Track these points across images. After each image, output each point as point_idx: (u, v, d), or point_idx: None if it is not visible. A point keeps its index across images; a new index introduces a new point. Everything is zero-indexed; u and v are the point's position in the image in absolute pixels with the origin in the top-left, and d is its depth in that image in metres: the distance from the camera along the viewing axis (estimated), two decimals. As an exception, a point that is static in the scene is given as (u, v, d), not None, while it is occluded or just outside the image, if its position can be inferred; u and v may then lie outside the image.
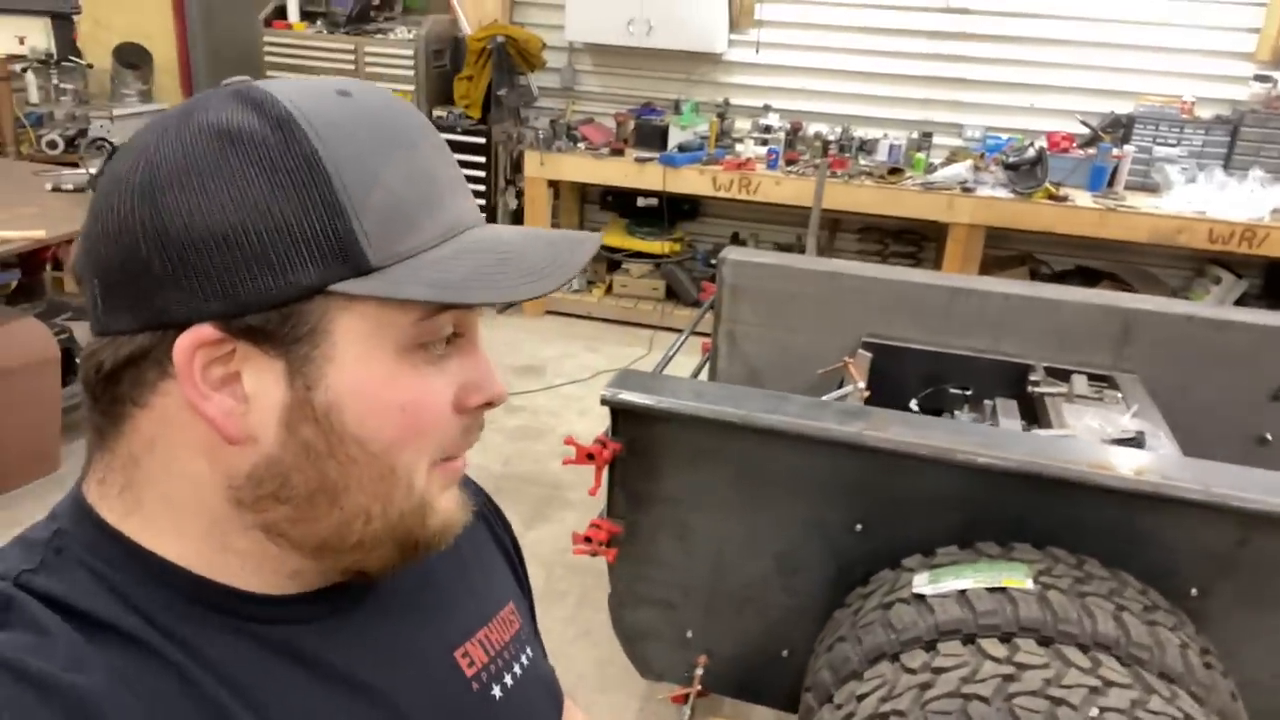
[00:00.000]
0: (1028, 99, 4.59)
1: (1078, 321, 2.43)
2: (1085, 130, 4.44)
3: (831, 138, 4.66)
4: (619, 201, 5.04)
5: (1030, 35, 4.51)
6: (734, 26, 4.79)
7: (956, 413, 2.49)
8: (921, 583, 1.52)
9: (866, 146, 4.66)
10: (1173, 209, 4.06)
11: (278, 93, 0.54)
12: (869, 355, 2.49)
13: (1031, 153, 4.21)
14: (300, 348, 0.53)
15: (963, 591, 1.46)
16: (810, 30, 4.75)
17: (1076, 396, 2.15)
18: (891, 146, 4.60)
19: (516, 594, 0.79)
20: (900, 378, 2.48)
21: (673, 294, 4.95)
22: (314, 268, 0.52)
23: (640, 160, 4.50)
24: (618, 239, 4.92)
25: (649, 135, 4.64)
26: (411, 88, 4.72)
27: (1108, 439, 1.94)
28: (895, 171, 4.41)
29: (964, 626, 1.41)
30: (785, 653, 1.83)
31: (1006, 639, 1.37)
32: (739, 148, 4.63)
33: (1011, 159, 4.26)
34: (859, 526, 1.70)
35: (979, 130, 4.64)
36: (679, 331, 2.79)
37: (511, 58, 4.61)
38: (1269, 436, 2.38)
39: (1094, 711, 1.18)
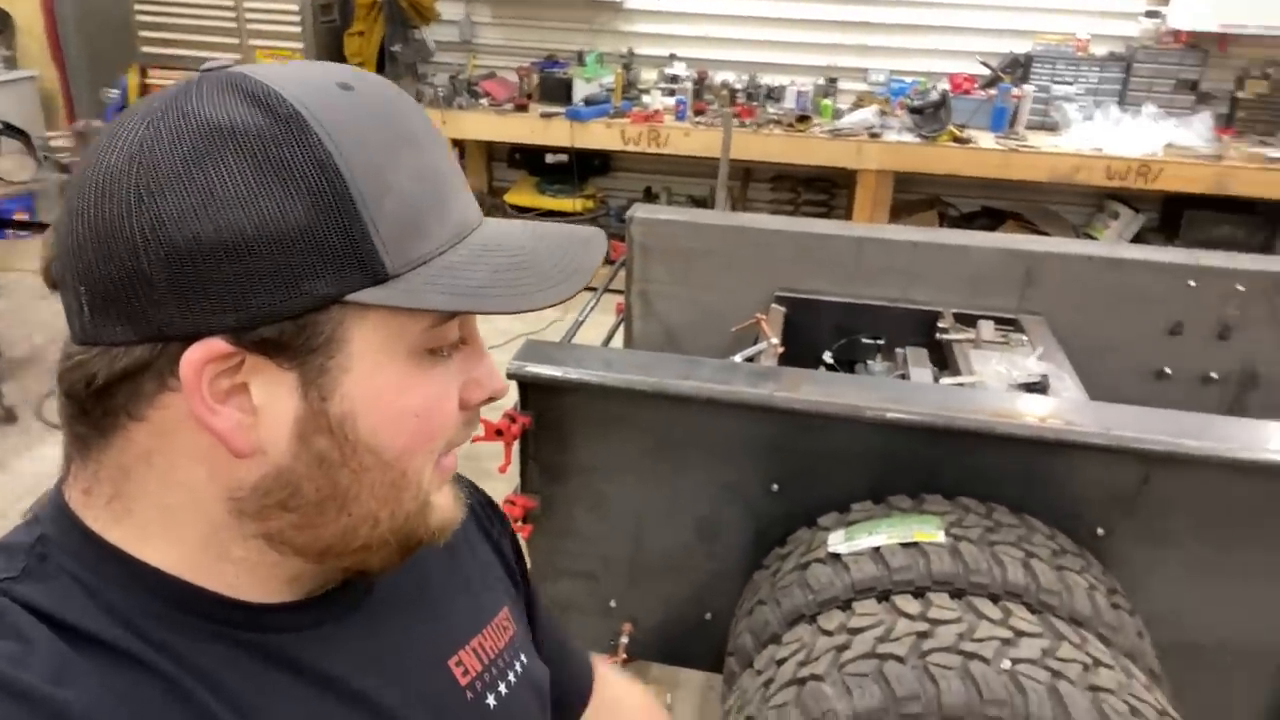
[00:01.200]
0: (930, 41, 4.61)
1: (984, 266, 2.46)
2: (986, 71, 4.48)
3: (738, 86, 4.61)
4: (527, 159, 4.92)
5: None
6: (631, -27, 4.66)
7: (869, 363, 2.50)
8: (836, 541, 1.51)
9: (774, 94, 4.62)
10: (1071, 147, 4.14)
11: (279, 86, 0.50)
12: (782, 310, 2.48)
13: (935, 95, 4.24)
14: (315, 359, 0.51)
15: (876, 548, 1.46)
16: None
17: (984, 342, 2.17)
18: (799, 93, 4.57)
19: (512, 597, 0.78)
20: (814, 330, 2.48)
21: (587, 252, 4.86)
22: (330, 277, 0.50)
23: (546, 115, 4.38)
24: (527, 198, 4.81)
25: (553, 89, 4.51)
26: (300, 45, 4.48)
27: (1014, 384, 1.97)
28: (803, 119, 4.39)
29: (878, 584, 1.41)
30: (709, 616, 1.82)
31: (920, 594, 1.37)
32: (646, 99, 4.54)
33: (916, 103, 4.28)
34: (775, 487, 1.69)
35: (884, 74, 4.65)
36: (595, 290, 2.73)
37: (403, 10, 4.42)
38: (1168, 370, 2.45)
39: (1006, 664, 1.19)
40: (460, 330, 0.57)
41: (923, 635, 1.26)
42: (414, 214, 0.52)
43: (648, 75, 4.75)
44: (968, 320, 2.37)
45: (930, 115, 4.19)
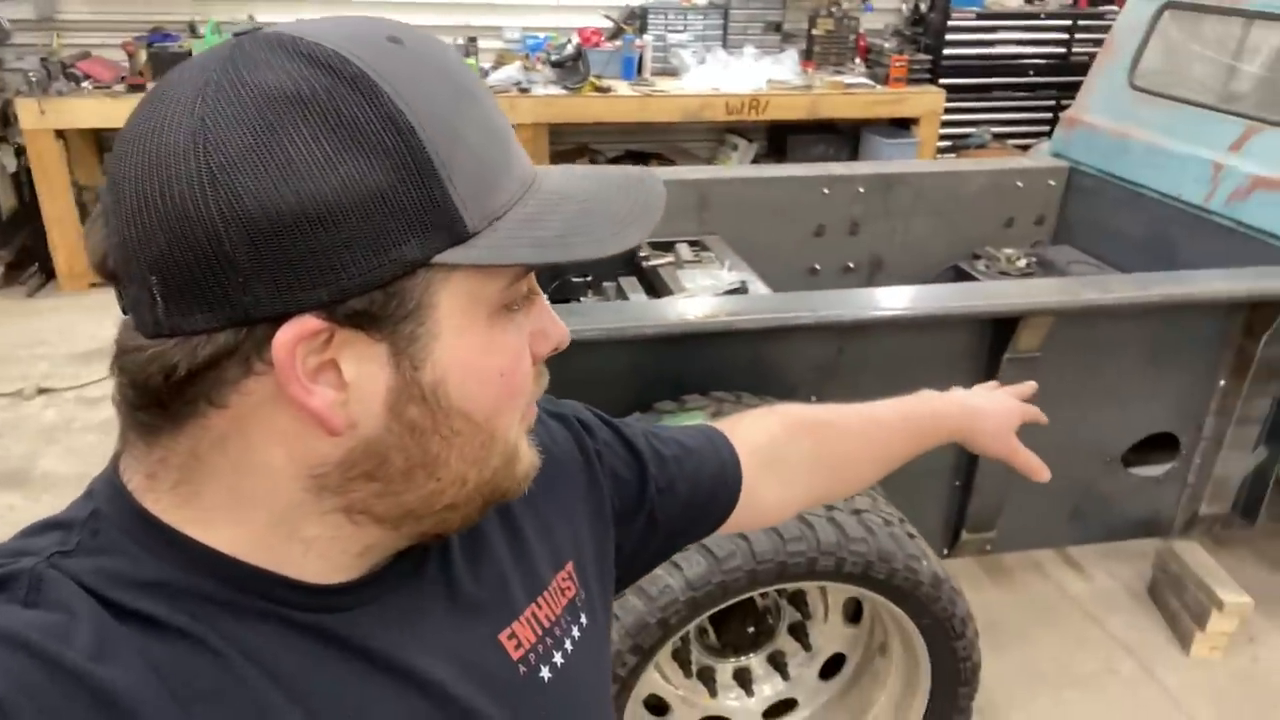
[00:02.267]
0: (553, -2, 4.84)
1: (667, 198, 2.74)
2: (609, 24, 4.82)
3: (376, 51, 4.50)
4: (149, 146, 4.41)
5: (545, -66, 4.72)
6: (240, -65, 4.34)
7: (582, 299, 2.71)
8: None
9: (414, 56, 4.58)
10: (693, 89, 4.62)
11: (334, 45, 0.48)
12: (493, 261, 2.57)
13: (570, 49, 4.49)
14: (404, 326, 0.50)
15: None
16: (328, -64, 4.48)
17: (684, 262, 2.45)
18: (439, 54, 4.57)
19: (587, 540, 0.75)
20: (526, 277, 2.61)
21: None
22: (416, 240, 0.48)
23: (170, 95, 3.96)
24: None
25: (168, 64, 4.08)
26: None
27: (720, 292, 2.27)
28: (450, 79, 4.42)
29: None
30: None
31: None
32: (281, 70, 4.28)
33: (555, 57, 4.50)
34: (548, 418, 1.82)
35: (517, 31, 4.81)
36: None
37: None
38: (818, 266, 2.94)
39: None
40: (527, 285, 0.56)
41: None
42: (485, 168, 0.51)
43: (275, 45, 4.47)
44: (663, 247, 2.66)
45: (570, 68, 4.44)
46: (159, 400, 0.51)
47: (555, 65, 4.46)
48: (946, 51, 4.97)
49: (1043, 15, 5.10)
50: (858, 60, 5.07)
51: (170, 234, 0.47)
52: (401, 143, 0.48)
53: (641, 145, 5.13)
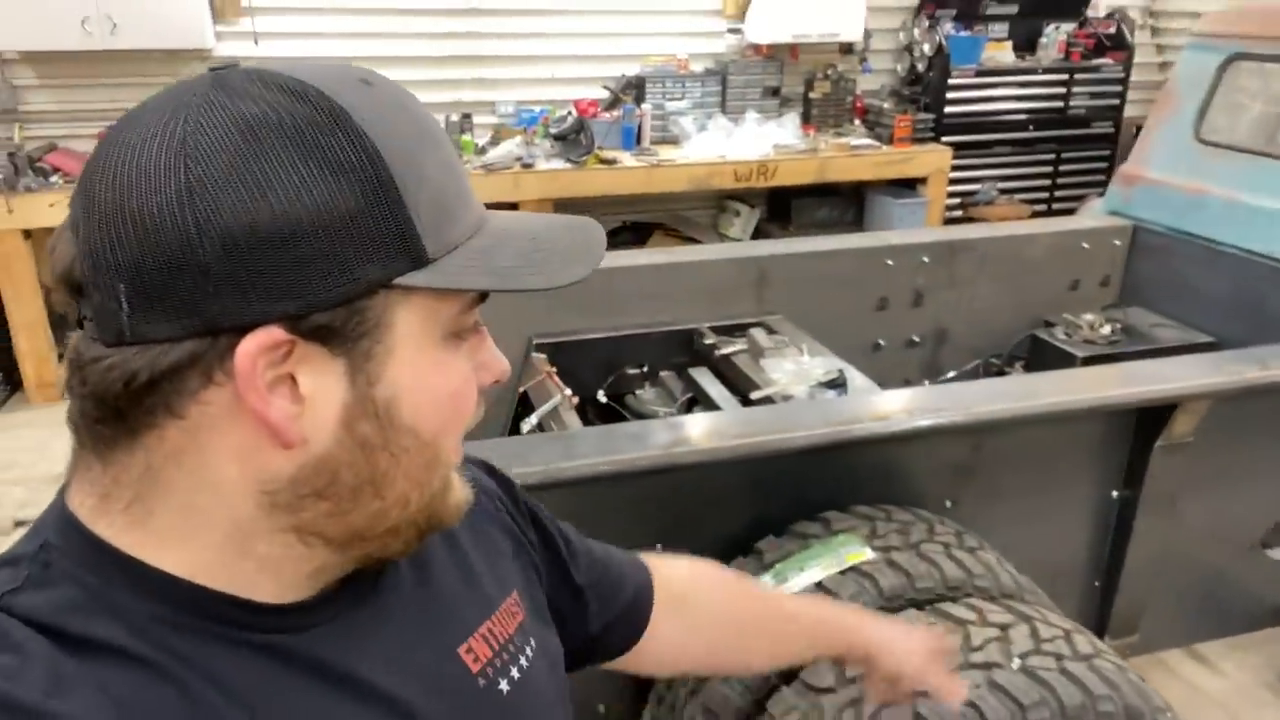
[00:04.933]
0: (548, 70, 4.68)
1: (723, 277, 2.53)
2: (606, 94, 4.67)
3: (366, 131, 4.29)
4: (123, 240, 4.11)
5: (539, 8, 4.57)
6: (219, 17, 4.12)
7: (639, 393, 2.46)
8: (769, 586, 1.43)
9: (405, 135, 4.37)
10: (697, 156, 4.47)
11: (316, 82, 0.51)
12: (543, 356, 2.33)
13: (571, 121, 4.32)
14: (363, 344, 0.53)
15: (818, 583, 1.40)
16: (314, 15, 4.28)
17: (765, 349, 2.22)
18: (431, 132, 4.37)
19: (522, 577, 0.77)
20: (578, 370, 2.37)
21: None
22: (380, 262, 0.51)
23: (152, 187, 3.69)
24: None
25: (149, 155, 3.82)
26: None
27: (815, 383, 2.04)
28: (447, 157, 4.21)
29: (839, 619, 1.36)
30: (601, 708, 1.64)
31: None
32: (267, 155, 4.04)
33: (555, 130, 4.32)
34: (659, 547, 1.56)
35: (511, 105, 4.63)
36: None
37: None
38: (882, 342, 2.74)
39: (1016, 663, 1.20)
40: (474, 317, 0.59)
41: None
42: (444, 201, 0.55)
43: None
44: (725, 331, 2.43)
45: (573, 141, 4.26)
46: (117, 410, 0.51)
47: (557, 138, 4.28)
48: (948, 110, 4.90)
49: (1039, 70, 5.07)
50: (856, 121, 4.98)
51: (145, 243, 0.48)
52: (372, 171, 0.51)
53: (642, 215, 4.95)
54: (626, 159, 4.40)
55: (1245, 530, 2.01)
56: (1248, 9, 2.58)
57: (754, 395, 2.07)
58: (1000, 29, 5.21)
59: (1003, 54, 5.13)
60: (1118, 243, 2.84)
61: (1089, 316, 2.61)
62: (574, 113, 4.43)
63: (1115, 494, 1.85)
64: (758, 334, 2.27)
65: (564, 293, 2.23)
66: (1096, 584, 1.94)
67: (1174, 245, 2.71)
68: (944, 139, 4.89)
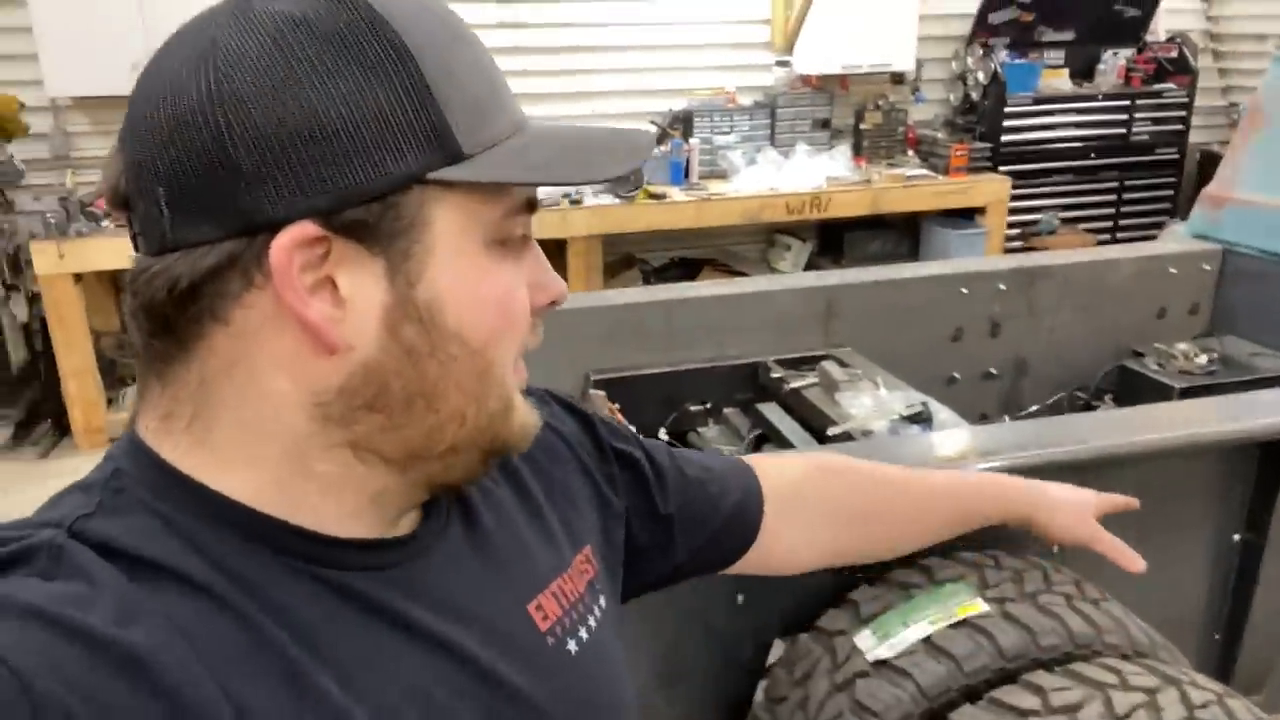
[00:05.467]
0: (598, 106, 4.64)
1: (788, 308, 2.41)
2: (654, 129, 4.60)
3: (413, 170, 4.27)
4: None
5: (585, 44, 4.55)
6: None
7: (700, 430, 2.34)
8: (871, 644, 1.28)
9: (452, 174, 4.34)
10: (747, 190, 4.38)
11: None
12: (601, 394, 2.22)
13: (619, 156, 4.25)
14: (400, 242, 0.52)
15: (926, 638, 1.25)
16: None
17: (839, 383, 2.08)
18: (478, 170, 4.34)
19: (599, 527, 0.76)
20: (639, 407, 2.25)
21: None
22: (411, 156, 0.51)
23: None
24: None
25: (199, 198, 3.82)
26: None
27: (900, 417, 1.90)
28: (495, 195, 4.17)
29: (953, 682, 1.21)
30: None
31: (1010, 679, 1.19)
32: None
33: (603, 165, 4.26)
34: (740, 598, 1.42)
35: (558, 142, 4.59)
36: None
37: (-21, 124, 3.47)
38: (957, 375, 2.58)
39: (1173, 731, 1.04)
40: (523, 228, 0.58)
41: (1068, 729, 1.08)
42: (479, 100, 0.54)
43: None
44: (792, 365, 2.30)
45: (623, 177, 4.19)
46: (166, 321, 0.52)
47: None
48: (1005, 138, 4.76)
49: (1099, 96, 4.92)
50: (909, 152, 4.86)
51: (179, 144, 0.49)
52: (401, 66, 0.51)
53: (690, 251, 4.86)
54: (675, 194, 4.32)
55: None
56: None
57: (830, 431, 1.93)
58: (1056, 56, 5.08)
59: (1060, 81, 5.00)
60: (1207, 267, 2.67)
61: (1182, 346, 2.44)
62: (622, 148, 4.37)
63: (1237, 537, 1.68)
64: (829, 367, 2.14)
65: (622, 328, 2.15)
66: (1217, 636, 1.76)
67: (1268, 269, 2.53)
68: (1001, 168, 4.75)
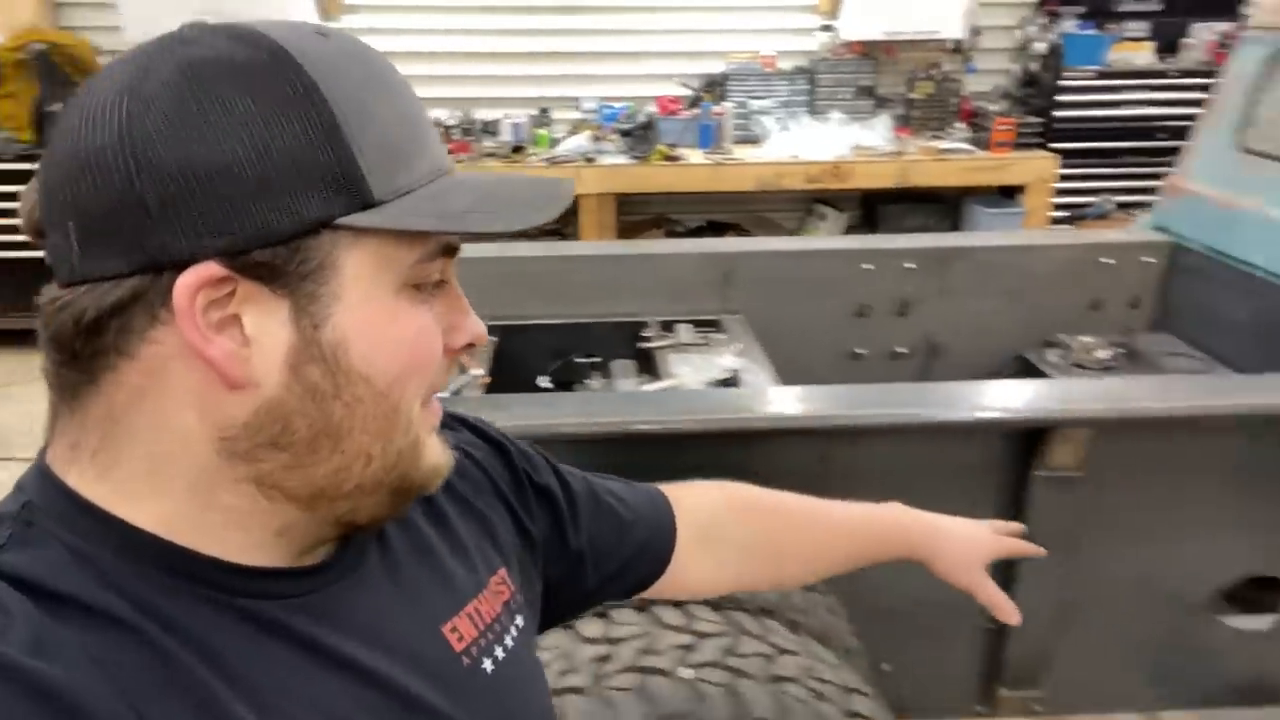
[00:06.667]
0: (633, 68, 4.73)
1: (683, 273, 2.49)
2: (688, 92, 4.65)
3: (452, 122, 4.51)
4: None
5: (625, 5, 4.63)
6: (325, 14, 4.46)
7: (587, 381, 2.47)
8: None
9: (489, 128, 4.56)
10: (772, 156, 4.37)
11: (263, 29, 0.53)
12: (494, 339, 2.38)
13: (642, 118, 4.35)
14: (307, 285, 0.52)
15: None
16: (411, 14, 4.55)
17: (684, 345, 2.17)
18: (514, 125, 4.53)
19: (514, 550, 0.77)
20: (529, 355, 2.40)
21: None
22: (320, 200, 0.51)
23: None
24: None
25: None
26: (-65, 112, 3.91)
27: (708, 382, 1.97)
28: (519, 150, 4.37)
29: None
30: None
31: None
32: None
33: (625, 126, 4.37)
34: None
35: (594, 102, 4.72)
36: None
37: (58, 66, 3.96)
38: (860, 350, 2.58)
39: (687, 673, 1.14)
40: (441, 273, 0.58)
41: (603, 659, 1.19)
42: (395, 147, 0.54)
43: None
44: (671, 326, 2.39)
45: (640, 137, 4.29)
46: (74, 352, 0.52)
47: (624, 134, 4.32)
48: (1059, 114, 4.51)
49: (1174, 73, 4.57)
50: (960, 125, 4.68)
51: (90, 178, 0.50)
52: (312, 109, 0.51)
53: (721, 215, 4.90)
54: (695, 156, 4.37)
55: (1185, 591, 1.76)
56: (1309, -4, 2.23)
57: (646, 387, 2.03)
58: (1139, 27, 4.73)
59: (1139, 55, 4.66)
60: (1150, 260, 2.53)
61: (1087, 339, 2.36)
62: (649, 110, 4.45)
63: (1003, 527, 1.67)
64: (684, 329, 2.22)
65: (521, 278, 2.33)
66: (990, 626, 1.76)
67: (1210, 266, 2.39)
68: (1054, 145, 4.51)
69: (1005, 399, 1.59)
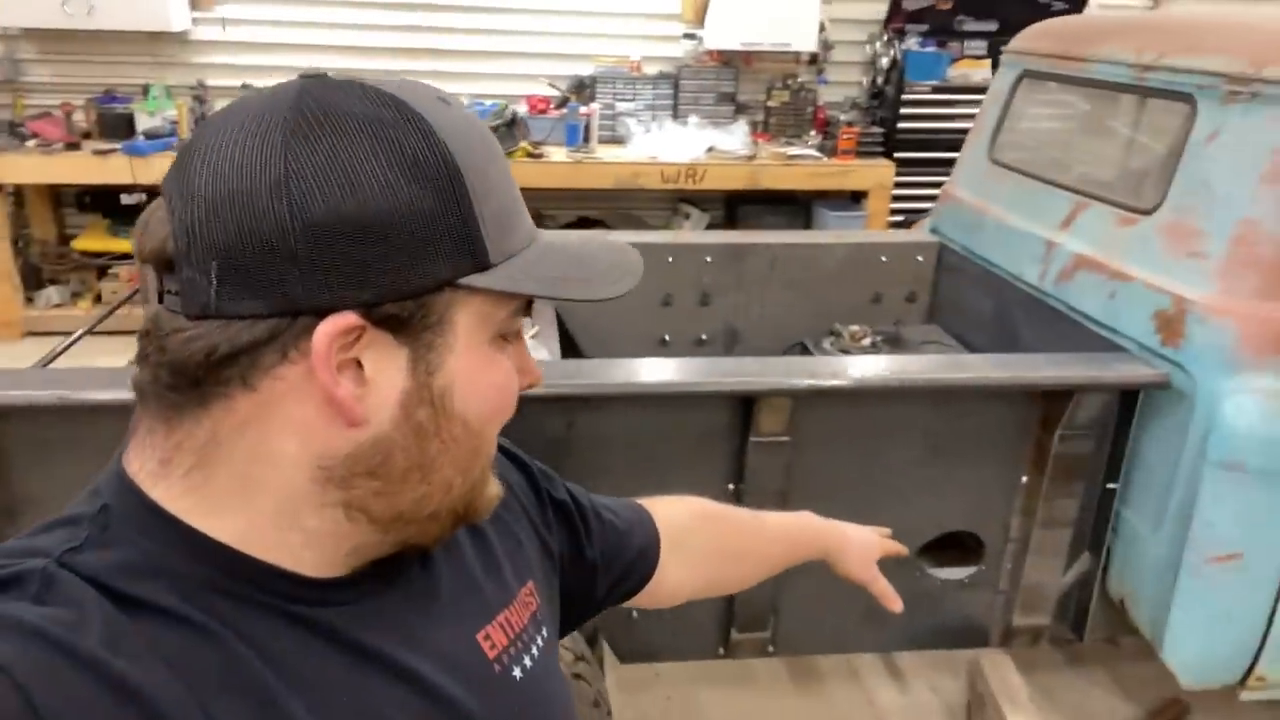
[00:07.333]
0: (503, 66, 4.90)
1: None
2: (556, 93, 4.85)
3: (323, 115, 4.60)
4: (100, 201, 4.57)
5: (496, 5, 4.79)
6: (196, 4, 4.52)
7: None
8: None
9: (361, 121, 4.66)
10: (632, 156, 4.60)
11: (402, 95, 0.57)
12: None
13: (508, 116, 4.52)
14: (426, 336, 0.57)
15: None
16: (279, 5, 4.63)
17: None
18: (385, 119, 4.65)
19: (540, 566, 0.83)
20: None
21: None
22: (448, 262, 0.56)
23: (100, 152, 4.10)
24: (98, 242, 4.47)
25: (113, 124, 4.25)
26: None
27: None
28: (386, 143, 4.48)
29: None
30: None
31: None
32: (222, 131, 4.40)
33: (492, 123, 4.53)
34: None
35: (466, 99, 4.86)
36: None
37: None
38: (668, 337, 2.82)
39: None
40: (519, 325, 0.65)
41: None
42: (505, 214, 0.60)
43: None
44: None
45: (505, 134, 4.46)
46: (195, 380, 0.55)
47: (491, 130, 4.48)
48: (901, 125, 4.85)
49: (1003, 90, 4.93)
50: (814, 133, 4.98)
51: (242, 226, 0.52)
52: (448, 178, 0.56)
53: (590, 212, 5.10)
54: (558, 154, 4.56)
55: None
56: (1047, 26, 2.53)
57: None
58: (978, 46, 5.10)
59: (977, 71, 5.02)
60: (921, 259, 2.83)
61: (855, 328, 2.63)
62: (514, 109, 4.63)
63: (731, 487, 1.91)
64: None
65: None
66: (725, 576, 1.99)
67: (965, 265, 2.69)
68: (896, 155, 4.84)
69: (721, 373, 1.82)
